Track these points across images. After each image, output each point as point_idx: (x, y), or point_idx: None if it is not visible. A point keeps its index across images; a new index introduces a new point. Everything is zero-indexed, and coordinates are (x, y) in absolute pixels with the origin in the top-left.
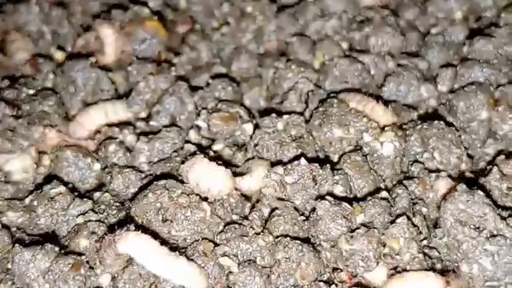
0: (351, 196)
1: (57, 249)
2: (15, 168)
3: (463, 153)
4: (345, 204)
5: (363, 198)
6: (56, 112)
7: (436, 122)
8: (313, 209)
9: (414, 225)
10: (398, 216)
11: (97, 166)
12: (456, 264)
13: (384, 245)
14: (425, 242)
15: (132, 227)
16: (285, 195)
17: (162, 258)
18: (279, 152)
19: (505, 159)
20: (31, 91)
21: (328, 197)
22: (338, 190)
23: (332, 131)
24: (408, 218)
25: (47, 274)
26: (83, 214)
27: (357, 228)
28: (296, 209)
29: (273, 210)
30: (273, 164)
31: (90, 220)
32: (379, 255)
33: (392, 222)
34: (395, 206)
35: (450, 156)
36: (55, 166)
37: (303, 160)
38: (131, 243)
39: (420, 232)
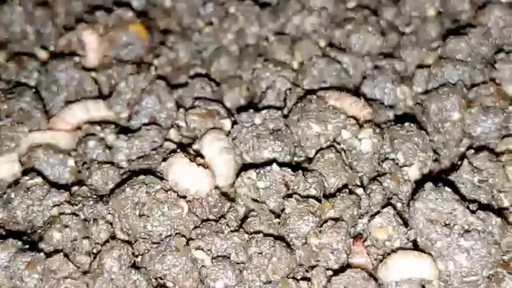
0: (323, 194)
1: (19, 243)
2: (5, 174)
3: (429, 157)
4: (311, 200)
5: (333, 194)
6: (36, 107)
7: (407, 124)
8: (283, 209)
9: (399, 213)
10: (384, 206)
11: (71, 162)
12: None
13: (365, 238)
14: None
15: None
16: (258, 197)
17: None
18: (257, 145)
19: (475, 153)
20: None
21: (295, 195)
22: (311, 193)
23: (309, 127)
24: (394, 207)
25: (4, 270)
26: (58, 205)
27: (325, 222)
28: (271, 211)
29: (249, 211)
30: (246, 167)
31: (64, 213)
32: (349, 246)
33: (375, 214)
34: (370, 201)
35: (414, 159)
36: (31, 164)
37: (275, 166)
38: None
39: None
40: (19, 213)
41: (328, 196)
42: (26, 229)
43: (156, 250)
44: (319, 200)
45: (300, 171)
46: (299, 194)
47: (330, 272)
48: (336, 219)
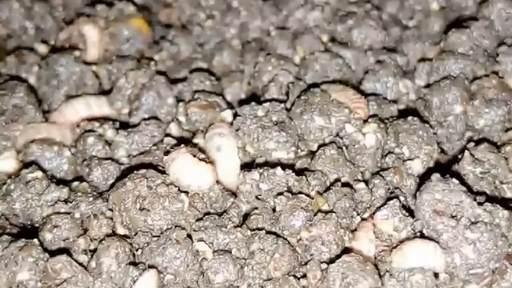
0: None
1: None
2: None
3: (434, 150)
4: (302, 196)
5: (328, 188)
6: (30, 102)
7: (410, 118)
8: (274, 208)
9: (404, 206)
10: (388, 199)
11: (67, 152)
12: None
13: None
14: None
15: None
16: (261, 195)
17: None
18: (261, 136)
19: (475, 145)
20: None
21: (285, 193)
22: (311, 194)
23: (312, 120)
24: (399, 200)
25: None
26: (54, 203)
27: (315, 215)
28: (274, 210)
29: (252, 208)
30: (250, 164)
31: (58, 212)
32: (340, 238)
33: (381, 206)
34: (372, 196)
35: (419, 152)
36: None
37: (279, 170)
38: None
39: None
40: (18, 205)
41: (323, 192)
42: (25, 225)
43: (156, 243)
44: (311, 197)
45: (303, 176)
46: (291, 192)
47: (324, 266)
48: (326, 212)
